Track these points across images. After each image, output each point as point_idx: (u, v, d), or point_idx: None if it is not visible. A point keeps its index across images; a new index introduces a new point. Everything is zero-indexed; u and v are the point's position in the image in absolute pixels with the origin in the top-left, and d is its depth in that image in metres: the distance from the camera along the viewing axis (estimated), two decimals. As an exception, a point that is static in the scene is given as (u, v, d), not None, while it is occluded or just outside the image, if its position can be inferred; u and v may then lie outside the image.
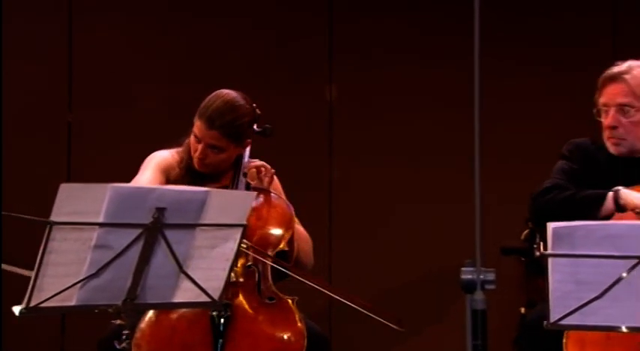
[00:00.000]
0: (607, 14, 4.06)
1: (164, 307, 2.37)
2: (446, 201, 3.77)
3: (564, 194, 2.71)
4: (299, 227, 2.90)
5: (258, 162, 2.85)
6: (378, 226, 4.10)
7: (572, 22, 4.07)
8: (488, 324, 3.82)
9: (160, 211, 2.11)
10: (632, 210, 2.60)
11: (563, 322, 2.21)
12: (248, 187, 2.79)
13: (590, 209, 2.66)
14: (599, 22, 4.04)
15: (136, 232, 2.09)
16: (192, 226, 2.16)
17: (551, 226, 2.22)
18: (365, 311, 2.69)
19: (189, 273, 2.18)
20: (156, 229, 2.11)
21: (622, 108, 2.76)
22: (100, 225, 2.04)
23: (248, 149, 2.88)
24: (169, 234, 2.13)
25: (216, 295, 2.22)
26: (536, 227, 2.80)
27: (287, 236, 2.76)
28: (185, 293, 2.19)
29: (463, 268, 1.92)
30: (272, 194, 2.81)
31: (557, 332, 2.44)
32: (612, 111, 2.77)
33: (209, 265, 2.20)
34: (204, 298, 2.21)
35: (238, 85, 4.10)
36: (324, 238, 4.02)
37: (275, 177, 2.87)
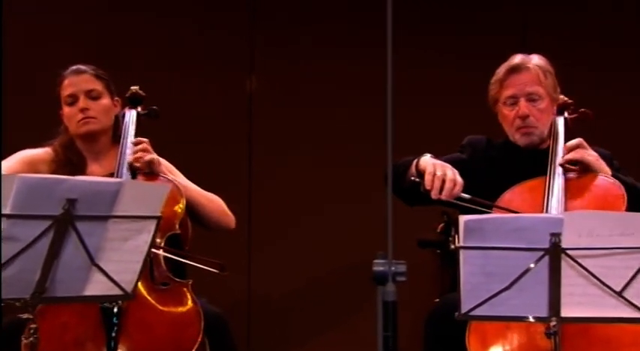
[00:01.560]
0: (518, 7, 4.14)
1: (75, 301, 2.33)
2: (364, 194, 3.80)
3: (394, 164, 2.78)
4: (198, 191, 2.89)
5: (141, 145, 2.82)
6: (298, 217, 4.11)
7: (483, 13, 4.13)
8: (405, 316, 3.89)
9: (71, 202, 2.08)
10: (423, 172, 2.65)
11: (474, 313, 2.26)
12: (134, 173, 2.77)
13: (402, 172, 2.74)
14: (510, 13, 4.12)
15: (46, 224, 2.06)
16: (104, 218, 2.14)
17: (462, 219, 2.27)
18: (189, 261, 2.69)
19: (102, 265, 2.16)
20: (66, 220, 2.08)
21: (531, 97, 2.83)
22: (7, 216, 1.99)
23: (131, 128, 2.86)
24: (80, 226, 2.10)
25: (129, 288, 2.20)
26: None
27: (179, 219, 2.73)
28: (97, 286, 2.17)
29: (375, 261, 1.94)
30: (161, 177, 2.79)
31: (462, 322, 2.49)
32: (522, 101, 2.82)
33: (122, 258, 2.18)
34: (116, 291, 2.18)
35: (158, 73, 4.07)
36: (243, 230, 4.01)
37: (162, 159, 2.86)
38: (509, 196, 2.71)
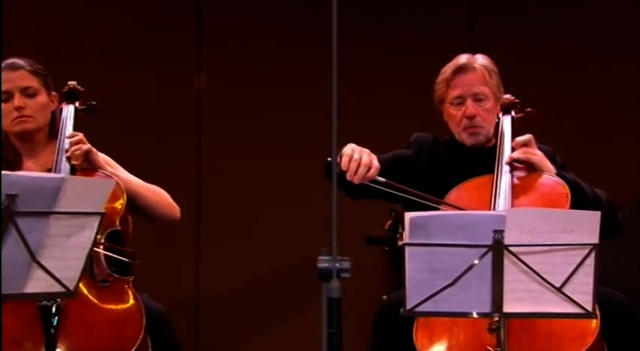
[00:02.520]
0: (464, 4, 4.18)
1: (15, 299, 2.29)
2: (312, 190, 3.80)
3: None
4: (141, 183, 2.86)
5: (75, 138, 2.79)
6: (247, 213, 4.10)
7: (430, 11, 4.16)
8: (354, 313, 3.90)
9: (11, 197, 2.05)
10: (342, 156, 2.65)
11: (418, 309, 2.29)
12: (73, 167, 2.74)
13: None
14: (456, 12, 4.16)
15: (-15, 220, 2.03)
16: (45, 214, 2.11)
17: (408, 216, 2.29)
18: (104, 252, 2.66)
19: (43, 262, 2.13)
20: (6, 216, 2.05)
21: (477, 97, 2.85)
22: (-56, 212, 1.96)
23: (68, 123, 2.84)
24: (21, 222, 2.07)
25: (71, 285, 2.17)
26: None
27: (119, 215, 2.71)
28: (38, 283, 2.14)
29: (320, 257, 1.95)
30: (99, 172, 2.76)
31: (409, 318, 2.51)
32: (469, 101, 2.85)
33: (64, 255, 2.15)
34: (58, 288, 2.16)
35: (107, 71, 4.04)
36: (192, 226, 3.99)
37: (101, 153, 2.83)
38: (456, 194, 2.73)
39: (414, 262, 2.28)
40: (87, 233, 2.17)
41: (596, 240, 2.21)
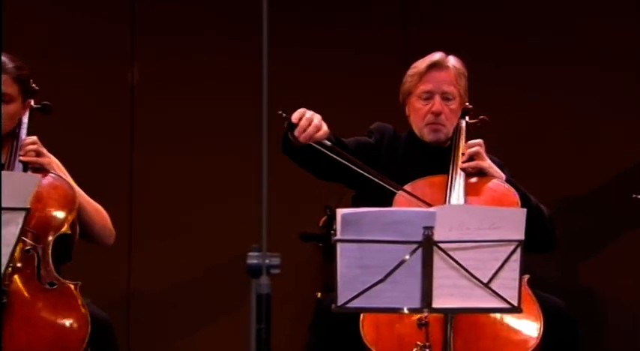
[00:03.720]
0: (398, 3, 4.21)
1: None
2: (245, 187, 3.79)
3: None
4: (86, 198, 2.83)
5: (30, 138, 2.75)
6: (180, 214, 4.07)
7: (363, 8, 4.19)
8: (289, 309, 3.91)
9: None
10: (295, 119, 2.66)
11: (350, 305, 2.30)
12: (25, 167, 2.70)
13: (285, 136, 2.75)
14: (390, 9, 4.19)
15: None
16: (-31, 210, 2.07)
17: (340, 212, 2.30)
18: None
19: (-35, 259, 2.09)
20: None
21: (446, 95, 2.88)
22: None
23: (25, 123, 2.79)
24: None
25: (-5, 281, 2.14)
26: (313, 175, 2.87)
27: (70, 219, 2.67)
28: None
29: (249, 253, 1.95)
30: (51, 174, 2.72)
31: (354, 314, 2.53)
32: (437, 97, 2.88)
33: (-12, 251, 2.12)
34: (-17, 285, 2.12)
35: (36, 64, 3.95)
36: (124, 226, 3.95)
37: (55, 159, 2.79)
38: (410, 189, 2.76)
39: (345, 259, 2.30)
40: (11, 229, 2.14)
41: (521, 236, 2.25)
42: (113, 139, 4.09)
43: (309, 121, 2.65)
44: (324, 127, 2.68)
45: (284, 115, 2.67)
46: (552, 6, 4.12)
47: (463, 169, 2.79)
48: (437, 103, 2.86)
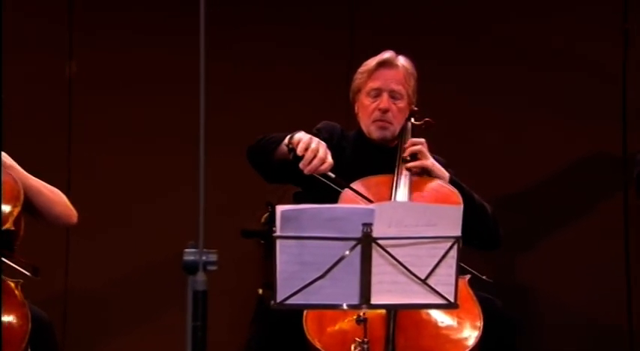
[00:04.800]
0: (344, 3, 4.23)
1: None
2: (184, 183, 3.77)
3: (259, 137, 2.82)
4: (40, 182, 2.78)
5: None
6: (118, 210, 4.03)
7: (309, 7, 4.19)
8: (230, 306, 3.90)
9: None
10: (296, 145, 2.68)
11: (289, 301, 2.30)
12: None
13: (271, 146, 2.78)
14: (336, 7, 4.20)
15: None
16: None
17: (279, 209, 2.30)
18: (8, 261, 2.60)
19: None
20: None
21: (393, 94, 2.90)
22: None
23: None
24: None
25: None
26: (263, 178, 2.87)
27: (14, 213, 2.63)
28: None
29: (185, 250, 1.94)
30: None
31: (296, 310, 2.53)
32: (385, 95, 2.90)
33: None
34: None
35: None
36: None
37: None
38: (356, 187, 2.77)
39: (284, 255, 2.30)
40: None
41: (458, 233, 2.28)
42: (51, 132, 4.03)
43: (314, 153, 2.65)
44: (329, 159, 2.69)
45: (290, 146, 2.68)
46: (488, 7, 4.17)
47: (408, 169, 2.82)
48: (384, 100, 2.89)
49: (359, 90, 2.94)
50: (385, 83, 2.89)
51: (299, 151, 2.65)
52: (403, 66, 2.93)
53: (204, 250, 1.94)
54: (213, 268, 1.95)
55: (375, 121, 2.90)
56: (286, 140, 2.72)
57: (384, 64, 2.91)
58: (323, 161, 2.66)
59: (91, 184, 4.02)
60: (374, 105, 2.90)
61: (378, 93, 2.90)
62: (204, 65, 1.90)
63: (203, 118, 1.93)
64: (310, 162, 2.65)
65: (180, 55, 3.92)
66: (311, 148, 2.66)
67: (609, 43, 4.04)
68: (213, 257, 1.95)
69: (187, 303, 1.90)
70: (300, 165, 2.66)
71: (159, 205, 4.03)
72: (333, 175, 2.70)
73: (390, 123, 2.91)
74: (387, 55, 2.93)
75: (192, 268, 1.92)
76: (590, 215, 4.06)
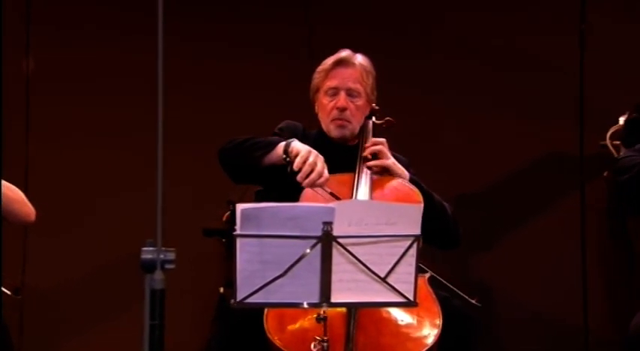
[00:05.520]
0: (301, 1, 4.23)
1: None
2: (144, 182, 3.75)
3: (238, 140, 2.82)
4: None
5: None
6: (76, 208, 4.00)
7: (267, 4, 4.18)
8: (192, 304, 3.88)
9: None
10: (294, 157, 2.69)
11: (249, 300, 2.29)
12: None
13: (259, 151, 2.76)
14: (293, 8, 4.20)
15: None
16: None
17: (239, 207, 2.29)
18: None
19: None
20: None
21: (351, 92, 2.91)
22: None
23: None
24: None
25: None
26: (232, 179, 2.86)
27: None
28: None
29: (143, 248, 1.92)
30: None
31: (258, 309, 2.53)
32: (342, 94, 2.90)
33: None
34: None
35: None
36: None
37: None
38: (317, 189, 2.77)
39: (245, 254, 2.29)
40: None
41: (418, 231, 2.28)
42: (8, 130, 3.97)
43: (312, 167, 2.66)
44: (326, 173, 2.70)
45: (287, 159, 2.68)
46: (450, 6, 4.20)
47: (368, 167, 2.83)
48: (342, 99, 2.90)
49: (317, 89, 2.95)
50: (342, 82, 2.91)
51: (296, 165, 2.67)
52: (360, 64, 2.94)
53: (162, 248, 1.92)
54: (171, 266, 1.94)
55: (333, 119, 2.92)
56: (280, 149, 2.73)
57: (340, 63, 2.92)
58: (320, 175, 2.68)
59: (49, 182, 3.98)
60: (332, 104, 2.91)
61: (335, 92, 2.91)
62: (162, 63, 1.88)
63: (161, 115, 1.92)
64: (308, 176, 2.66)
65: (140, 53, 3.89)
66: (309, 161, 2.67)
67: (567, 44, 4.09)
68: (171, 256, 1.94)
69: (144, 302, 1.88)
70: (298, 178, 2.67)
71: (118, 204, 4.00)
72: (328, 190, 2.71)
73: (349, 121, 2.92)
74: (344, 53, 2.95)
75: (149, 266, 1.91)
76: (547, 214, 4.11)
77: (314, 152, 2.70)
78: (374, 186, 2.81)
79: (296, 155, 2.70)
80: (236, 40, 4.13)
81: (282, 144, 2.74)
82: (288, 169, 2.68)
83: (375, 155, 2.85)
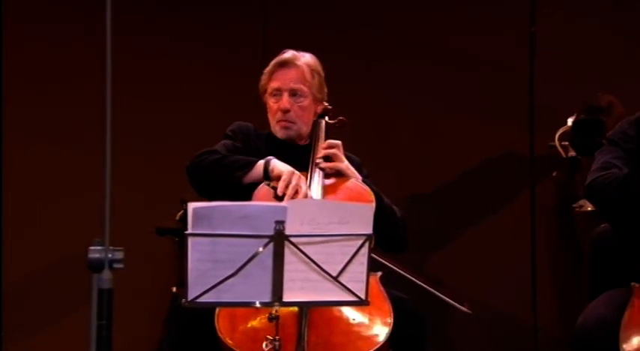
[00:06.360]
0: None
1: None
2: (93, 183, 3.72)
3: (214, 157, 2.80)
4: None
5: None
6: (28, 208, 3.95)
7: (222, 2, 4.17)
8: (144, 304, 3.86)
9: None
10: (276, 177, 2.72)
11: (201, 299, 2.28)
12: None
13: (238, 172, 2.77)
14: (249, 6, 4.18)
15: None
16: None
17: (190, 206, 2.28)
18: None
19: None
20: None
21: (294, 92, 2.91)
22: None
23: None
24: None
25: None
26: (194, 190, 2.86)
27: None
28: None
29: (90, 248, 1.90)
30: None
31: (211, 310, 2.52)
32: (285, 95, 2.90)
33: None
34: None
35: None
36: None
37: None
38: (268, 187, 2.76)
39: (196, 253, 2.28)
40: None
41: (369, 231, 2.29)
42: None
43: (296, 190, 2.68)
44: (309, 193, 2.72)
45: (270, 184, 2.69)
46: (406, 6, 4.23)
47: (321, 169, 2.84)
48: (284, 100, 2.91)
49: (264, 91, 2.97)
50: (284, 83, 2.91)
51: (280, 190, 2.68)
52: (304, 64, 2.94)
53: (110, 247, 1.90)
54: (120, 266, 1.92)
55: (278, 121, 2.93)
56: (260, 168, 2.74)
57: (283, 64, 2.93)
58: (305, 197, 2.69)
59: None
60: (276, 106, 2.92)
61: (278, 93, 2.92)
62: (111, 61, 1.86)
63: (109, 114, 1.90)
64: (292, 198, 2.68)
65: (89, 49, 3.86)
66: (292, 185, 2.68)
67: (517, 45, 4.14)
68: (119, 255, 1.92)
69: (91, 301, 1.86)
70: (284, 203, 2.66)
71: (70, 204, 3.96)
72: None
73: (293, 122, 2.93)
74: (287, 54, 2.96)
75: (97, 266, 1.89)
76: (498, 214, 4.15)
77: (296, 173, 2.72)
78: (326, 186, 2.82)
79: (277, 176, 2.72)
80: (191, 39, 4.11)
81: (261, 163, 2.76)
82: (273, 195, 2.69)
83: (329, 158, 2.86)
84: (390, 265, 2.73)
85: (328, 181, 2.83)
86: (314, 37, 4.03)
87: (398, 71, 4.17)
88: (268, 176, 2.74)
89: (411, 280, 2.68)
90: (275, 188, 2.70)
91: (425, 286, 2.73)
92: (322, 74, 2.97)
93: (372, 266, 2.51)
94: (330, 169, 2.84)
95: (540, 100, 4.11)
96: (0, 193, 3.97)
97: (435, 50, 4.18)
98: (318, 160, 2.83)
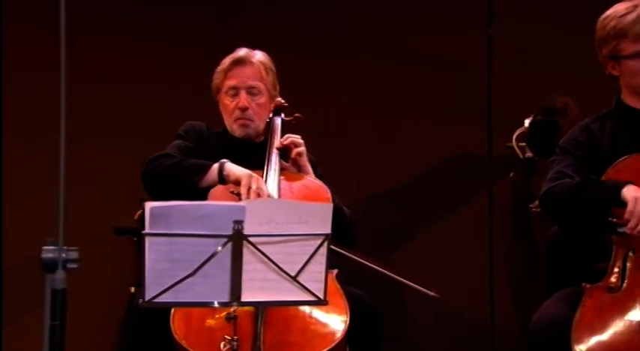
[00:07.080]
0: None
1: None
2: (49, 183, 3.68)
3: (171, 161, 2.80)
4: None
5: None
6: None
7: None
8: (102, 304, 3.82)
9: None
10: (234, 182, 2.72)
11: (158, 299, 2.26)
12: None
13: (193, 176, 2.75)
14: (210, 4, 4.17)
15: None
16: None
17: (148, 205, 2.26)
18: None
19: None
20: None
21: (251, 90, 2.91)
22: None
23: None
24: None
25: None
26: (149, 195, 2.84)
27: None
28: None
29: (44, 247, 1.88)
30: None
31: (167, 309, 2.51)
32: (243, 93, 2.90)
33: None
34: None
35: None
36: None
37: None
38: (227, 186, 2.75)
39: (154, 253, 2.26)
40: None
41: (328, 230, 2.30)
42: None
43: (257, 194, 2.69)
44: (271, 193, 2.72)
45: (235, 192, 2.69)
46: (366, 6, 4.25)
47: (287, 148, 2.82)
48: (242, 98, 2.93)
49: (218, 90, 2.97)
50: (241, 81, 2.92)
51: (244, 196, 2.68)
52: (259, 61, 2.95)
53: (65, 247, 1.88)
54: (74, 266, 1.90)
55: (236, 119, 2.93)
56: (214, 172, 2.73)
57: (238, 62, 2.93)
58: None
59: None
60: (233, 104, 2.92)
61: (235, 92, 2.93)
62: (65, 60, 1.85)
63: (64, 112, 1.88)
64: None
65: (41, 49, 3.81)
66: (253, 189, 2.69)
67: (474, 45, 4.17)
68: (73, 255, 1.90)
69: (45, 302, 1.84)
70: (242, 202, 2.68)
71: (25, 204, 3.91)
72: (236, 191, 2.71)
73: (252, 120, 2.94)
74: (242, 52, 2.96)
75: (50, 266, 1.86)
76: (456, 213, 4.18)
77: (254, 176, 2.72)
78: (282, 183, 2.82)
79: (235, 181, 2.70)
80: (150, 37, 4.08)
81: (216, 166, 2.75)
82: (238, 200, 2.69)
83: (287, 152, 2.86)
84: (354, 256, 2.73)
85: (285, 177, 2.84)
86: (274, 36, 4.03)
87: (356, 70, 4.18)
88: (224, 180, 2.73)
89: (376, 269, 2.69)
90: (239, 194, 2.69)
91: (390, 274, 2.74)
92: (275, 71, 2.97)
93: (334, 259, 2.55)
94: (299, 155, 2.84)
95: (498, 101, 4.15)
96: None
97: (393, 50, 4.20)
98: (277, 150, 2.82)
